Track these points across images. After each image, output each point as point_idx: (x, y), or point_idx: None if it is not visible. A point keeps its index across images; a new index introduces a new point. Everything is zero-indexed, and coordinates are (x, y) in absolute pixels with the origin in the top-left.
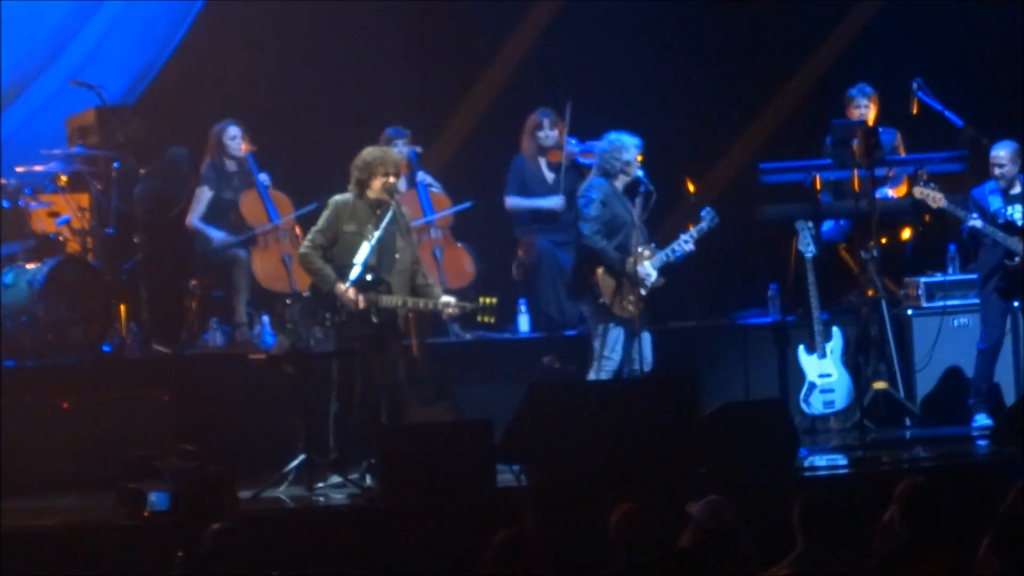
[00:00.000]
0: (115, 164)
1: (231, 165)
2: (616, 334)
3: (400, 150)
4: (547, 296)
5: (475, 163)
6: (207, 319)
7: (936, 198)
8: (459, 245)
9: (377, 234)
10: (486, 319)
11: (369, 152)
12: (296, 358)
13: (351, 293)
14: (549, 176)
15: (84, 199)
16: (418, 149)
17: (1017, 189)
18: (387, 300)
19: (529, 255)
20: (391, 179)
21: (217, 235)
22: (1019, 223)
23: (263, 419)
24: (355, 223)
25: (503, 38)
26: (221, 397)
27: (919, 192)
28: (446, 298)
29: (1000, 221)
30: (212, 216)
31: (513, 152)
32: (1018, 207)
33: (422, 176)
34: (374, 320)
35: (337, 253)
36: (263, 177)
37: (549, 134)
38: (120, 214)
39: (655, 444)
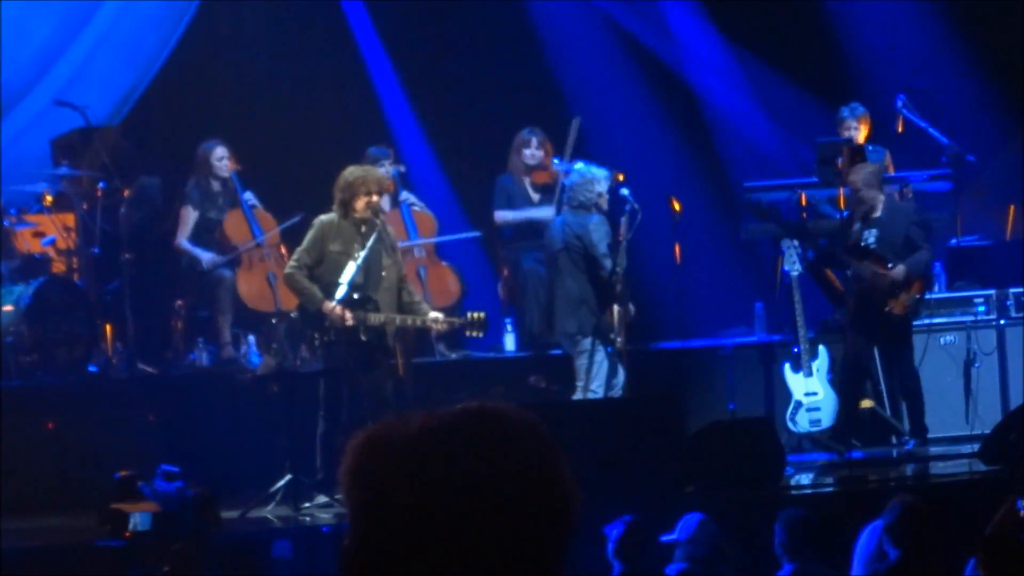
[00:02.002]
0: (100, 184)
1: (216, 185)
2: (606, 363)
3: (385, 170)
4: (532, 315)
5: (460, 182)
6: (193, 339)
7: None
8: (444, 264)
9: (363, 253)
10: (474, 333)
11: (351, 172)
12: (282, 378)
13: (339, 311)
14: (535, 196)
15: (70, 219)
16: (401, 168)
17: (878, 213)
18: (375, 318)
19: (514, 274)
20: (374, 198)
21: (206, 256)
22: (872, 246)
23: (249, 439)
24: (340, 243)
25: (488, 60)
26: (207, 417)
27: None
28: (434, 314)
29: (851, 241)
30: (198, 236)
31: (499, 171)
32: (874, 232)
33: (405, 196)
34: (363, 338)
35: (323, 273)
36: (247, 196)
37: (535, 153)
38: (105, 234)
39: (642, 463)
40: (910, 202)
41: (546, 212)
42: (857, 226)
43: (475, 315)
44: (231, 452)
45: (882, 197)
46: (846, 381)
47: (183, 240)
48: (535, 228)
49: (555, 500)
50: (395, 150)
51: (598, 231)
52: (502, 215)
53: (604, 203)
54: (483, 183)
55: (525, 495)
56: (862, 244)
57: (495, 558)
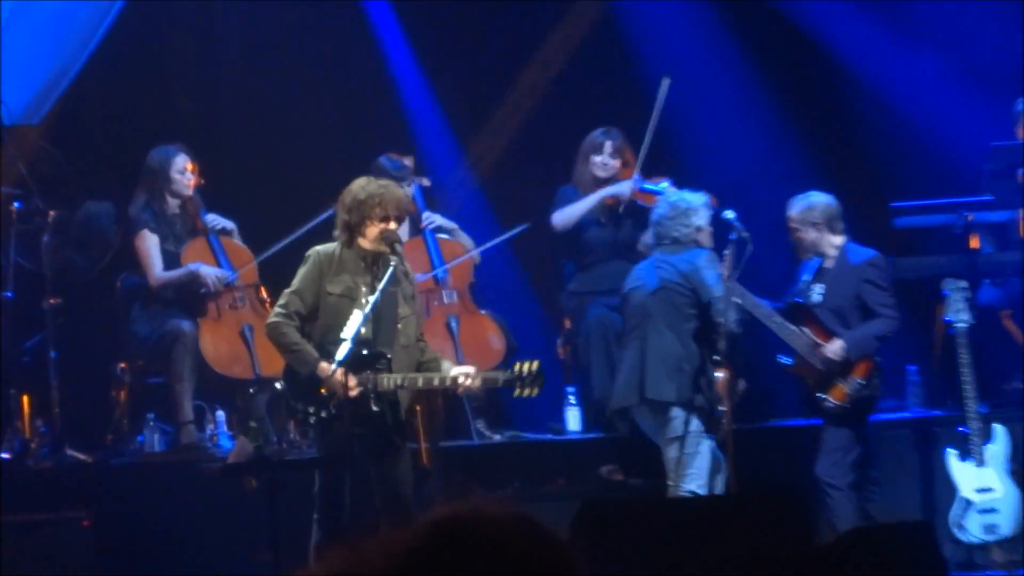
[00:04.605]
0: (15, 204)
1: (173, 205)
2: (707, 455)
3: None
4: (601, 381)
5: (502, 199)
6: (141, 415)
7: None
8: (483, 313)
9: (372, 298)
10: (526, 392)
11: (362, 187)
12: (263, 468)
13: (339, 376)
14: (603, 220)
15: None
16: (424, 182)
17: (831, 263)
18: (387, 380)
19: (578, 328)
20: (392, 224)
21: (211, 271)
22: (813, 307)
23: (219, 551)
24: (342, 284)
25: (543, 40)
26: (162, 522)
27: None
28: (462, 368)
29: (796, 300)
30: None
31: (558, 184)
32: (820, 288)
33: (429, 218)
34: (374, 408)
35: (319, 325)
36: (213, 219)
37: (608, 162)
38: (22, 272)
39: None
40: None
41: (624, 187)
42: (806, 278)
43: (525, 366)
44: (194, 567)
45: (836, 240)
46: None
47: (159, 272)
48: (607, 272)
49: None
50: (415, 157)
51: (710, 269)
52: (561, 215)
53: (707, 239)
54: (533, 200)
55: None
56: (804, 301)
57: None
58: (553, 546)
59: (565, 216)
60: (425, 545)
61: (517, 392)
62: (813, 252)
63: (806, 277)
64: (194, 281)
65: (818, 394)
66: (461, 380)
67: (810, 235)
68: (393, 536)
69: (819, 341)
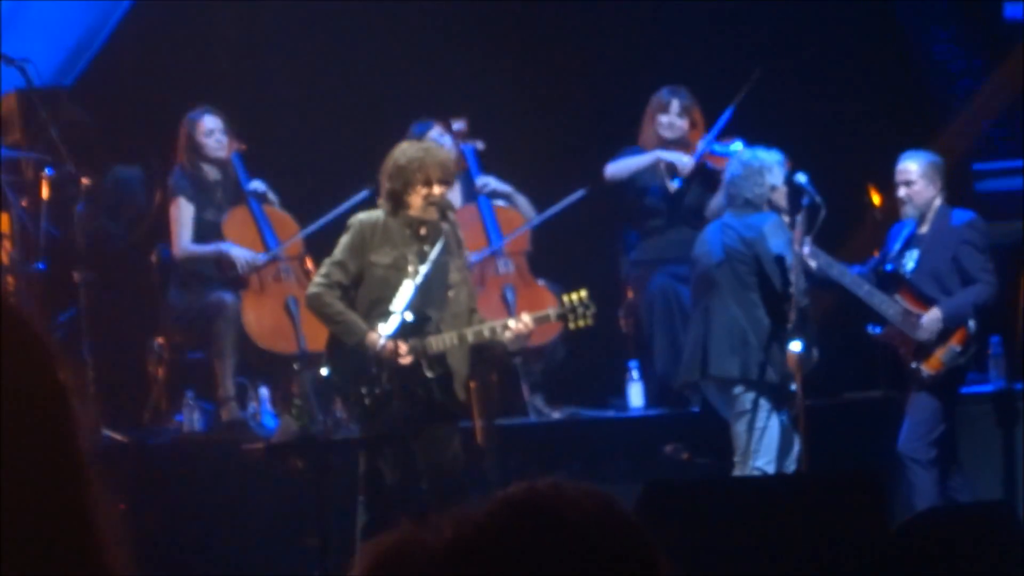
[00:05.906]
0: (47, 171)
1: (211, 172)
2: (777, 431)
3: (444, 145)
4: (664, 355)
5: (561, 168)
6: (180, 393)
7: None
8: (540, 284)
9: (424, 269)
10: (581, 323)
11: (404, 152)
12: (309, 448)
13: (390, 346)
14: (671, 184)
15: (3, 221)
16: (477, 145)
17: (926, 226)
18: (438, 342)
19: (640, 297)
20: (436, 189)
21: (242, 253)
22: (907, 274)
23: (261, 534)
24: (389, 254)
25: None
26: (202, 504)
27: None
28: (515, 319)
29: (887, 268)
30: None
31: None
32: (915, 252)
33: (483, 183)
34: (428, 374)
35: (364, 297)
36: (257, 186)
37: (675, 122)
38: (55, 243)
39: (827, 566)
40: (969, 214)
41: (683, 160)
42: (897, 245)
43: (574, 296)
44: (236, 553)
45: (938, 203)
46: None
47: (186, 243)
48: (672, 239)
49: None
50: (469, 119)
51: (776, 235)
52: (614, 166)
53: (782, 198)
54: (597, 164)
55: None
56: (895, 269)
57: None
58: (634, 531)
59: (618, 168)
60: (499, 521)
61: (572, 324)
62: (920, 211)
63: (897, 245)
64: (222, 261)
65: (913, 363)
66: (512, 324)
67: (928, 192)
68: (466, 512)
69: (913, 309)
